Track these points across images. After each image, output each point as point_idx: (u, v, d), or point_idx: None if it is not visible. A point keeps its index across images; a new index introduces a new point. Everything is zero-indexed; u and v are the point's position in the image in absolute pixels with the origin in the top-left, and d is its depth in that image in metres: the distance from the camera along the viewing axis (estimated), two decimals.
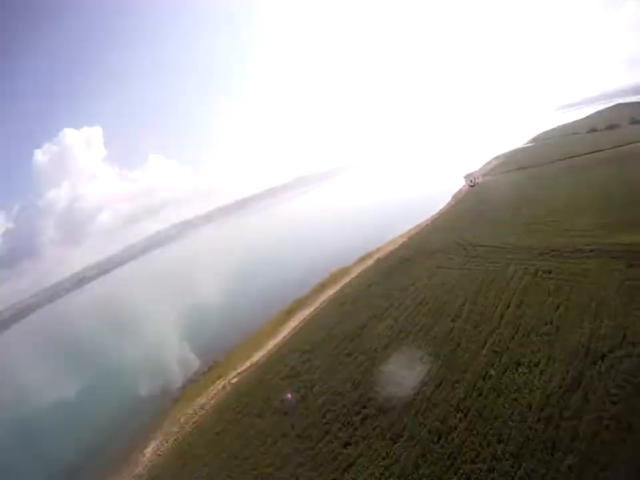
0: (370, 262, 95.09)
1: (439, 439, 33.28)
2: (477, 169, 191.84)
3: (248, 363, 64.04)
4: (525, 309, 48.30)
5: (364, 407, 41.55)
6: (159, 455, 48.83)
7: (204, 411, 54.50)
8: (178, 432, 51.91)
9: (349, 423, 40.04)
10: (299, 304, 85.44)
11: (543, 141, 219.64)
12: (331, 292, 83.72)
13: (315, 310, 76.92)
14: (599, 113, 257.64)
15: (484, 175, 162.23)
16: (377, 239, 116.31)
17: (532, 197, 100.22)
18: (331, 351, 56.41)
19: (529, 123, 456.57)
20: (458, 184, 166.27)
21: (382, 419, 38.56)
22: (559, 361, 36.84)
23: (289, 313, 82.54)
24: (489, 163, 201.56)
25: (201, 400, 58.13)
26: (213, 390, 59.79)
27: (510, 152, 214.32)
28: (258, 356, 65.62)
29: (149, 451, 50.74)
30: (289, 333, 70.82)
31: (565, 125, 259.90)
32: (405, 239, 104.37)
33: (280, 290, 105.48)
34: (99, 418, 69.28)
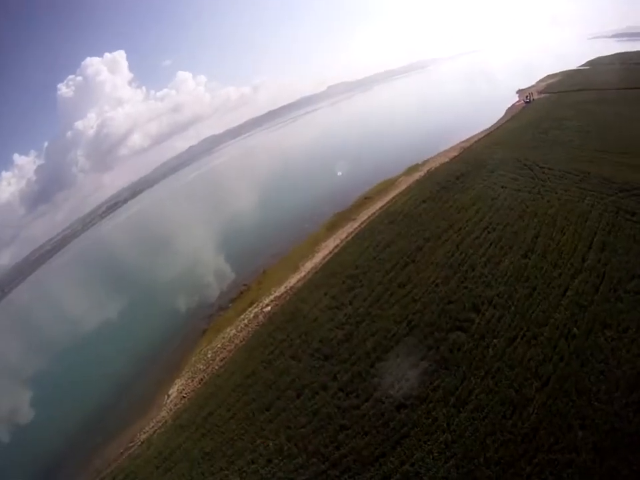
0: (419, 174, 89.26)
1: (513, 413, 28.61)
2: (529, 85, 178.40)
3: (283, 288, 59.58)
4: (609, 254, 42.69)
5: (422, 359, 36.40)
6: (184, 397, 45.28)
7: (233, 346, 50.34)
8: (205, 370, 48.35)
9: (402, 378, 35.03)
10: (341, 218, 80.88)
11: (603, 66, 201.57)
12: (377, 206, 78.61)
13: (359, 226, 72.21)
14: None
15: (540, 92, 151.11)
16: (426, 149, 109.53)
17: (602, 121, 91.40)
18: (381, 278, 51.95)
19: (571, 47, 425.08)
20: (511, 99, 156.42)
21: (445, 378, 33.47)
22: None
23: (330, 228, 78.17)
24: (542, 80, 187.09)
25: (231, 331, 54.10)
26: (244, 320, 55.56)
27: (565, 72, 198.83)
28: (294, 279, 61.26)
29: (174, 392, 47.53)
30: (329, 252, 66.01)
31: (621, 54, 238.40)
32: (456, 152, 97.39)
33: (320, 203, 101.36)
34: (127, 349, 67.18)
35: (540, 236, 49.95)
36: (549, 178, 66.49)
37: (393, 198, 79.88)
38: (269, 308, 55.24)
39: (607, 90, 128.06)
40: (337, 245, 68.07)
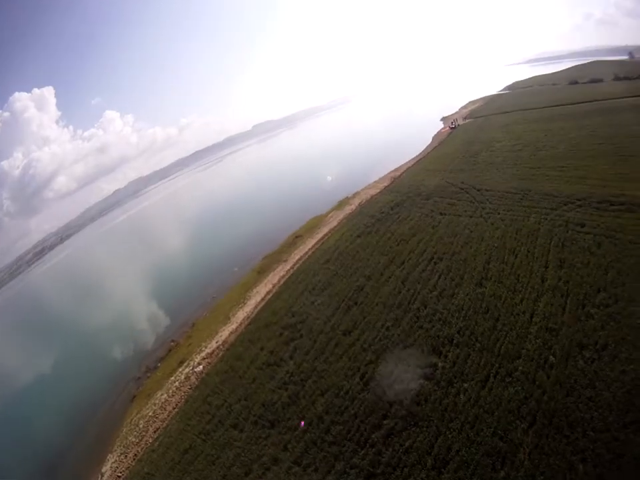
0: (350, 208, 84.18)
1: (503, 463, 24.42)
2: (452, 112, 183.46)
3: (215, 344, 53.70)
4: (569, 270, 39.75)
5: (384, 417, 31.14)
6: (119, 477, 39.07)
7: (166, 414, 44.20)
8: (138, 443, 42.12)
9: (366, 443, 29.60)
10: (271, 260, 74.23)
11: (520, 89, 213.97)
12: (309, 244, 72.49)
13: (291, 268, 65.85)
14: (573, 68, 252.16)
15: (464, 118, 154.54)
16: (355, 182, 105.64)
17: (531, 140, 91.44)
18: (322, 326, 45.46)
19: (488, 75, 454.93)
20: (436, 126, 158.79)
21: (416, 436, 28.59)
22: (630, 343, 29.30)
23: (260, 272, 71.35)
24: (464, 107, 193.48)
25: (162, 396, 47.69)
26: (175, 382, 49.32)
27: (486, 97, 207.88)
28: (226, 332, 55.30)
29: (107, 470, 40.94)
30: (262, 299, 59.86)
31: (537, 77, 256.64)
32: (387, 182, 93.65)
33: (248, 244, 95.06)
34: (49, 421, 58.32)
35: (491, 261, 45.93)
36: (488, 199, 63.92)
37: (325, 235, 73.95)
38: (201, 367, 49.42)
39: (529, 110, 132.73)
40: (270, 291, 61.14)
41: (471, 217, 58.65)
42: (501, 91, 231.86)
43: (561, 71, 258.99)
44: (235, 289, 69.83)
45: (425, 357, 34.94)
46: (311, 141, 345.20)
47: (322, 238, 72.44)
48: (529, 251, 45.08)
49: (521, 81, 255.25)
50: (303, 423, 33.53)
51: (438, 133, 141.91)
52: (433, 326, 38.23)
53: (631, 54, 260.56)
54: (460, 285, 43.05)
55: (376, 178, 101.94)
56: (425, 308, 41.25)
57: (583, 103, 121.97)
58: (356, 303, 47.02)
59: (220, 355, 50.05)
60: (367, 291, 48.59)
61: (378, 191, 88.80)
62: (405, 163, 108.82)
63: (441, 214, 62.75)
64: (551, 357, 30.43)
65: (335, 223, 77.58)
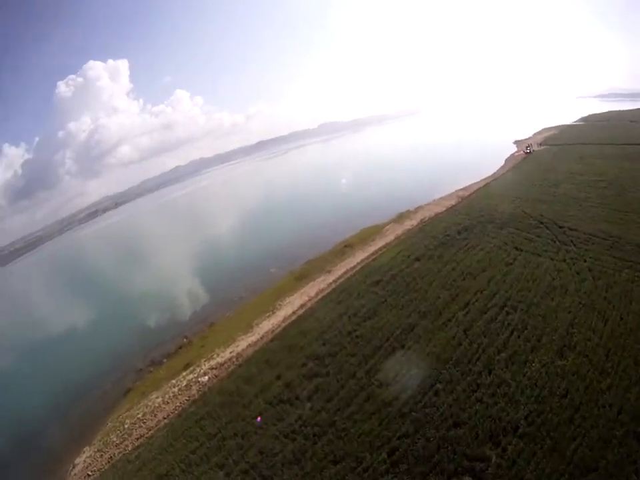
0: (411, 223, 74.66)
1: None
2: (526, 137, 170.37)
3: (228, 353, 46.88)
4: None
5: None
6: (89, 475, 35.41)
7: (154, 422, 38.93)
8: (117, 445, 37.73)
9: None
10: (313, 267, 66.41)
11: (596, 122, 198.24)
12: (358, 258, 63.85)
13: (334, 281, 57.65)
14: None
15: (539, 144, 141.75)
16: (418, 195, 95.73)
17: (614, 177, 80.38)
18: (356, 368, 36.93)
19: (559, 105, 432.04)
20: (508, 148, 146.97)
21: None
22: None
23: (299, 279, 63.50)
24: (538, 133, 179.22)
25: (157, 399, 42.57)
26: (174, 386, 43.88)
27: (561, 126, 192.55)
28: (244, 344, 48.00)
29: (80, 463, 37.72)
30: (292, 312, 52.09)
31: (612, 112, 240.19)
32: (453, 201, 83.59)
33: (295, 243, 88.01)
34: (44, 391, 54.38)
35: (576, 324, 35.96)
36: (572, 241, 53.74)
37: (379, 249, 64.93)
38: (206, 378, 43.16)
39: (607, 145, 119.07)
40: (303, 304, 52.93)
41: (552, 259, 48.73)
42: (575, 121, 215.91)
43: (638, 109, 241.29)
44: (266, 293, 62.26)
45: (477, 444, 25.89)
46: (376, 147, 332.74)
47: (374, 252, 63.56)
48: (621, 318, 35.10)
49: (597, 114, 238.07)
50: None
51: (511, 156, 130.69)
52: (496, 402, 28.78)
53: None
54: (536, 349, 33.27)
55: (442, 194, 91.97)
56: (489, 374, 31.72)
57: None
58: (403, 346, 38.04)
59: (230, 369, 43.32)
60: (418, 332, 39.52)
61: (443, 209, 79.07)
62: (474, 183, 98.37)
63: (516, 249, 52.78)
64: (634, 475, 21.94)
65: (391, 237, 68.39)
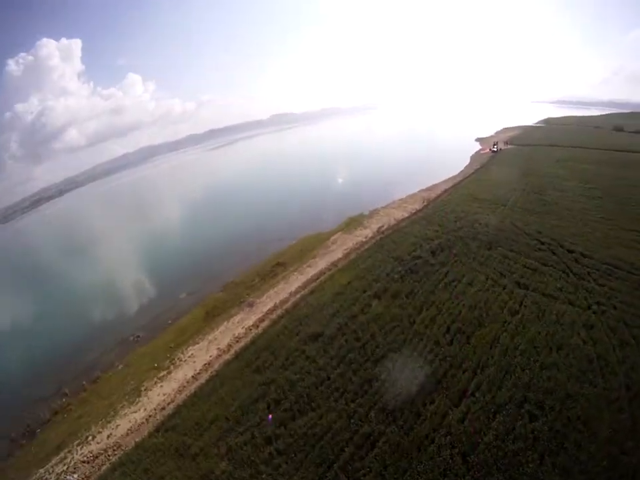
0: (364, 234, 56.51)
1: None
2: (487, 135, 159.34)
3: (106, 438, 31.43)
4: None
5: None
6: None
7: None
8: None
9: None
10: (229, 298, 46.61)
11: (558, 126, 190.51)
12: (291, 285, 45.20)
13: (255, 325, 38.91)
14: (614, 116, 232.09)
15: (505, 143, 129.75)
16: (374, 195, 78.26)
17: (606, 186, 67.97)
18: None
19: (515, 108, 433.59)
20: (472, 146, 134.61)
21: None
22: None
23: (211, 314, 44.15)
24: (500, 132, 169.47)
25: None
26: None
27: (523, 127, 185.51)
28: (127, 424, 31.92)
29: None
30: (193, 377, 34.00)
31: (572, 117, 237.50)
32: (417, 205, 66.34)
33: (212, 255, 66.76)
34: None
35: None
36: (589, 274, 39.01)
37: (321, 273, 46.36)
38: (75, 477, 28.28)
39: (584, 148, 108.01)
40: (209, 364, 34.63)
41: (572, 304, 33.33)
42: (536, 123, 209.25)
43: (599, 115, 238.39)
44: (168, 333, 43.55)
45: None
46: (328, 141, 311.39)
47: (314, 278, 45.13)
48: None
49: (555, 118, 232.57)
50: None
51: (477, 153, 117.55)
52: None
53: None
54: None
55: (402, 195, 75.04)
56: None
57: None
58: None
59: (103, 469, 27.68)
60: (379, 457, 22.65)
61: (406, 214, 61.67)
62: (439, 182, 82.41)
63: (519, 286, 36.20)
64: None
65: (338, 255, 49.99)
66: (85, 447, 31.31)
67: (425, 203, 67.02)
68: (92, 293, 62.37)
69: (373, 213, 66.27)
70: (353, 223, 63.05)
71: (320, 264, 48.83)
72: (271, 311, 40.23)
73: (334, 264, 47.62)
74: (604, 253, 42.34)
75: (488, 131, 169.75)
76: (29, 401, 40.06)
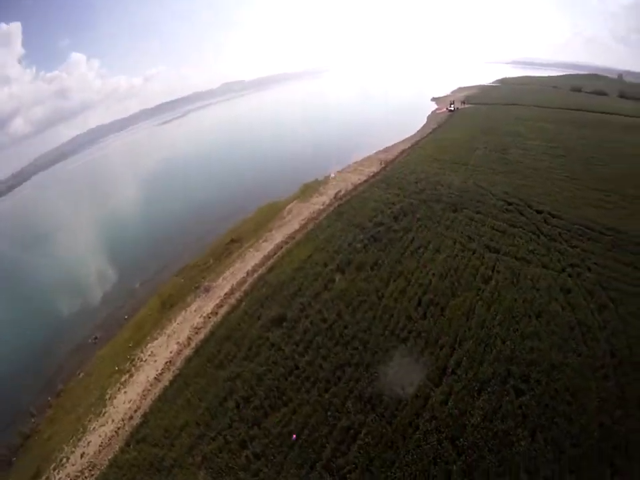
0: (321, 201, 53.22)
1: None
2: (443, 94, 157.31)
3: (79, 458, 28.49)
4: None
5: None
6: None
7: None
8: None
9: None
10: (186, 282, 42.50)
11: (516, 85, 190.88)
12: (247, 263, 41.47)
13: (213, 312, 35.32)
14: (572, 77, 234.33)
15: (462, 102, 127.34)
16: (327, 159, 74.27)
17: (570, 145, 67.34)
18: None
19: (468, 68, 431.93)
20: (427, 105, 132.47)
21: None
22: None
23: (167, 303, 39.90)
24: (456, 91, 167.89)
25: None
26: None
27: (479, 86, 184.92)
28: (98, 438, 29.06)
29: None
30: (156, 379, 30.55)
31: (529, 77, 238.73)
32: (375, 168, 63.42)
33: (171, 235, 60.47)
34: None
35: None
36: (560, 234, 37.88)
37: (278, 247, 42.89)
38: None
39: (543, 108, 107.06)
40: (170, 362, 31.22)
41: (546, 267, 32.02)
42: (492, 82, 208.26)
43: (557, 76, 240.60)
44: (125, 329, 39.57)
45: None
46: (279, 107, 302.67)
47: (271, 254, 41.68)
48: None
49: (512, 77, 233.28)
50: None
51: (433, 113, 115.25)
52: None
53: (620, 76, 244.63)
54: None
55: (357, 158, 71.79)
56: None
57: (609, 114, 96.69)
58: None
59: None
60: (363, 451, 20.54)
61: (363, 178, 58.81)
62: (396, 143, 79.32)
63: (490, 250, 34.43)
64: None
65: (295, 226, 46.62)
66: (61, 471, 29.04)
67: (383, 165, 64.53)
68: (42, 293, 55.61)
69: (329, 179, 63.05)
70: (308, 190, 59.84)
71: (276, 237, 45.60)
72: (228, 294, 37.06)
73: (291, 236, 44.55)
74: (573, 213, 41.56)
75: (443, 91, 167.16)
76: None
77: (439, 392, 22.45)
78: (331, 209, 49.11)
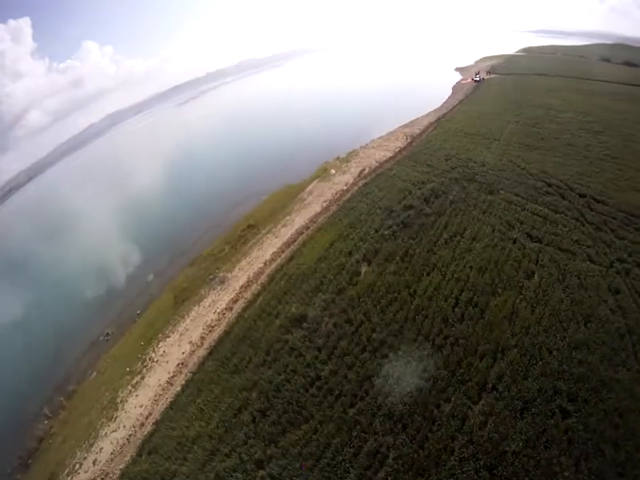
0: (344, 180, 49.80)
1: None
2: (467, 64, 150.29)
3: (92, 464, 27.65)
4: None
5: None
6: None
7: None
8: None
9: None
10: (200, 273, 40.47)
11: (540, 54, 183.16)
12: (265, 251, 39.14)
13: (228, 307, 33.19)
14: (599, 46, 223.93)
15: (488, 72, 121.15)
16: (351, 135, 70.45)
17: (607, 119, 62.42)
18: None
19: (509, 38, 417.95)
20: (452, 76, 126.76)
21: None
22: None
23: (180, 297, 37.90)
24: (480, 61, 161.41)
25: None
26: None
27: (503, 56, 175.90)
28: (110, 446, 28.22)
29: None
30: (167, 382, 28.99)
31: (555, 46, 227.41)
32: (400, 143, 59.58)
33: (186, 222, 58.47)
34: None
35: None
36: (605, 223, 34.38)
37: (297, 233, 40.15)
38: None
39: (575, 79, 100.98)
40: (182, 364, 29.57)
41: (592, 261, 29.11)
42: (517, 52, 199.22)
43: (583, 45, 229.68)
44: (137, 327, 38.00)
45: None
46: (296, 83, 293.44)
47: (290, 241, 39.00)
48: None
49: (537, 47, 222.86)
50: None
51: (458, 84, 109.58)
52: None
53: None
54: None
55: (382, 133, 67.95)
56: None
57: (633, 85, 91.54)
58: None
59: None
60: (392, 478, 18.38)
61: (389, 154, 55.11)
62: (422, 116, 75.17)
63: (531, 239, 31.34)
64: None
65: (316, 208, 43.65)
66: (74, 478, 28.32)
67: (409, 140, 60.76)
68: (56, 288, 54.39)
69: (352, 156, 59.50)
70: (330, 168, 56.29)
71: (297, 222, 42.71)
72: (244, 287, 34.62)
73: (312, 220, 41.70)
74: (618, 198, 37.85)
75: (467, 61, 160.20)
76: (13, 427, 36.74)
77: (478, 411, 20.01)
78: (355, 188, 46.02)
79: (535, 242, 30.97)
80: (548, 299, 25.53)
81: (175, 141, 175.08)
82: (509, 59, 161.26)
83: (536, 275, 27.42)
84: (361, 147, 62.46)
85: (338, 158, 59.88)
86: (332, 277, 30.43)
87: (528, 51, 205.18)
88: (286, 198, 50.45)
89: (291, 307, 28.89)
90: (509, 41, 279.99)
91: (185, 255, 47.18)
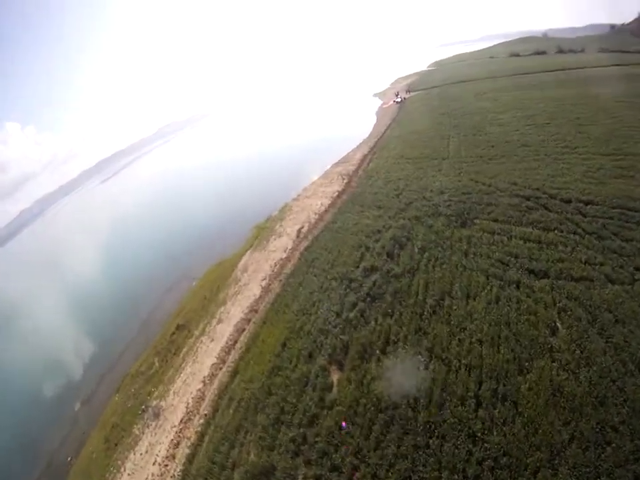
0: (282, 245, 42.37)
1: None
2: (384, 88, 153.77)
3: None
4: None
5: None
6: None
7: None
8: None
9: None
10: (120, 423, 30.75)
11: (452, 64, 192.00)
12: (201, 367, 30.29)
13: None
14: (503, 44, 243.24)
15: (407, 91, 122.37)
16: (278, 190, 63.93)
17: (547, 111, 61.62)
18: None
19: (416, 56, 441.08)
20: (372, 103, 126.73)
21: None
22: None
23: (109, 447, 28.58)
24: (396, 82, 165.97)
25: None
26: None
27: (418, 72, 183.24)
28: None
29: None
30: None
31: (459, 55, 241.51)
32: (337, 186, 53.43)
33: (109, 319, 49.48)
34: None
35: None
36: (605, 227, 29.02)
37: (238, 333, 31.51)
38: None
39: (494, 78, 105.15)
40: None
41: (612, 282, 23.23)
42: (428, 67, 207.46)
43: (488, 47, 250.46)
44: None
45: None
46: (215, 145, 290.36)
47: (231, 343, 30.45)
48: None
49: (446, 58, 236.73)
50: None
51: (380, 108, 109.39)
52: None
53: (545, 35, 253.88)
54: None
55: (313, 177, 62.53)
56: None
57: (562, 70, 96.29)
58: None
59: None
60: None
61: (328, 201, 48.85)
62: (352, 151, 70.55)
63: (536, 275, 24.56)
64: None
65: (255, 292, 35.41)
66: None
67: (346, 180, 54.77)
68: None
69: (285, 212, 52.57)
70: (263, 232, 48.82)
71: (234, 314, 34.22)
72: (184, 422, 25.70)
73: (252, 309, 33.36)
74: (603, 192, 32.85)
75: (382, 85, 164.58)
76: None
77: None
78: (297, 254, 38.13)
79: (542, 278, 24.24)
80: (588, 354, 18.65)
81: (99, 224, 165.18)
82: (424, 75, 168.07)
83: (563, 327, 20.81)
84: (293, 200, 55.88)
85: (269, 218, 52.88)
86: (294, 401, 21.67)
87: (438, 64, 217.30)
88: (219, 280, 42.14)
89: (250, 453, 20.33)
90: (417, 59, 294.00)
91: (111, 372, 37.77)
